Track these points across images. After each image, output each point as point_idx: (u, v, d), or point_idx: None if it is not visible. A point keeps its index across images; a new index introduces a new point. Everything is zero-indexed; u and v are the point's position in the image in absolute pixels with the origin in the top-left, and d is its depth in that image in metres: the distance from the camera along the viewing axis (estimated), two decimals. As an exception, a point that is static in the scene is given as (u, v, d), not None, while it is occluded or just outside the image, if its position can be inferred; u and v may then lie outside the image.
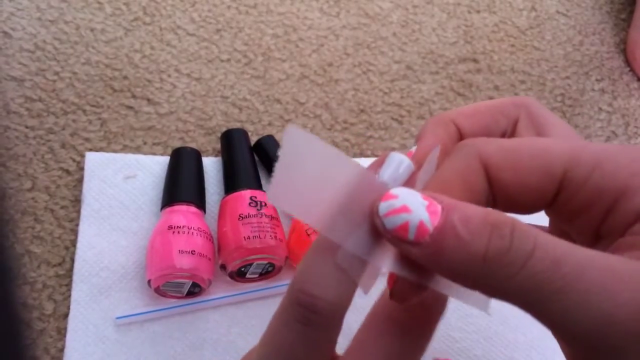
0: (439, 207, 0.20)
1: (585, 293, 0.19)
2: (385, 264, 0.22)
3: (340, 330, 0.23)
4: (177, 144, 0.51)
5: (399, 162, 0.23)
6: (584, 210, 0.23)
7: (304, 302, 0.21)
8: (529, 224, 0.21)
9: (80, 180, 0.48)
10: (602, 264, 0.20)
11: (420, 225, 0.20)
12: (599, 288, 0.19)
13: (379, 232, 0.22)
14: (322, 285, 0.21)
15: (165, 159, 0.49)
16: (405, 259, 0.22)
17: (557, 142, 0.24)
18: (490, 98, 0.61)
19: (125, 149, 0.50)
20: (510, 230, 0.20)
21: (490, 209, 0.21)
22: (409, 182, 0.23)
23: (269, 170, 0.50)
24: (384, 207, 0.21)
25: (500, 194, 0.24)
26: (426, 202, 0.21)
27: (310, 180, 0.22)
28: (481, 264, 0.20)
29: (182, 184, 0.46)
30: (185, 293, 0.43)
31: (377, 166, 0.23)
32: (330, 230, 0.22)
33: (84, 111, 0.51)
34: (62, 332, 0.42)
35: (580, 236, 0.24)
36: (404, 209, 0.21)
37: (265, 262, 0.44)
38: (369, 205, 0.22)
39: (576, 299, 0.19)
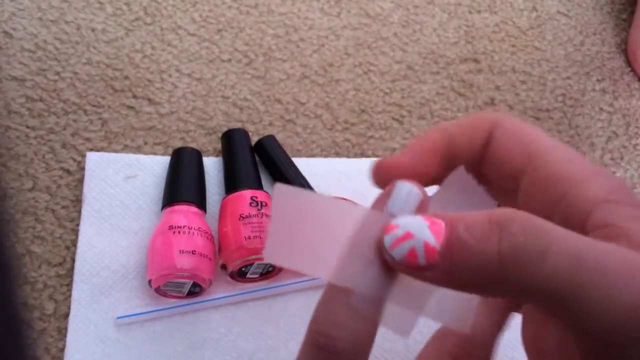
0: (442, 224, 0.20)
1: (608, 287, 0.19)
2: (404, 302, 0.22)
3: None
4: (178, 144, 0.51)
5: (407, 192, 0.23)
6: (543, 189, 0.24)
7: (323, 345, 0.21)
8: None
9: (81, 180, 0.48)
10: (619, 254, 0.20)
11: (427, 247, 0.20)
12: (621, 282, 0.19)
13: (390, 268, 0.21)
14: (340, 327, 0.21)
15: (166, 159, 0.49)
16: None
17: (543, 135, 0.25)
18: (492, 98, 0.61)
19: (126, 149, 0.50)
20: (521, 225, 0.19)
21: (492, 210, 0.20)
22: (420, 211, 0.23)
23: (270, 170, 0.50)
24: (388, 239, 0.21)
25: (490, 153, 0.26)
26: (427, 223, 0.20)
27: (309, 233, 0.22)
28: (497, 268, 0.19)
29: (182, 184, 0.46)
30: (185, 293, 0.43)
31: (385, 198, 0.23)
32: (340, 277, 0.21)
33: (85, 111, 0.51)
34: (62, 332, 0.42)
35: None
36: (407, 236, 0.20)
37: (266, 262, 0.44)
38: (376, 242, 0.21)
39: (600, 294, 0.19)
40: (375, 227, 0.22)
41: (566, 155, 0.24)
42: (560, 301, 0.19)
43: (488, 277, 0.20)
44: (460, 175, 0.24)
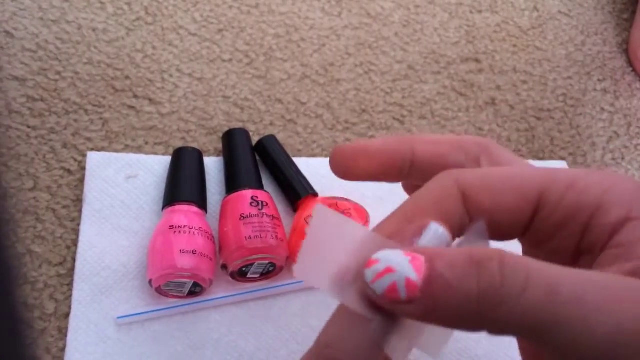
0: (422, 259, 0.20)
1: (585, 319, 0.19)
2: (406, 332, 0.22)
3: None
4: (179, 143, 0.51)
5: (435, 233, 0.23)
6: (561, 228, 0.23)
7: None
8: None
9: (81, 180, 0.48)
10: (597, 285, 0.19)
11: (408, 282, 0.20)
12: (598, 312, 0.19)
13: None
14: (356, 356, 0.21)
15: (167, 159, 0.49)
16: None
17: (530, 168, 0.24)
18: (493, 98, 0.61)
19: (126, 148, 0.50)
20: (499, 264, 0.20)
21: (473, 248, 0.21)
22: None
23: (271, 170, 0.50)
24: (369, 273, 0.21)
25: (476, 213, 0.24)
26: (409, 257, 0.20)
27: (339, 258, 0.22)
28: (476, 306, 0.19)
29: (183, 184, 0.46)
30: (186, 293, 0.43)
31: (414, 235, 0.23)
32: (362, 306, 0.22)
33: (86, 111, 0.51)
34: (63, 332, 0.42)
35: (559, 258, 0.24)
36: (388, 270, 0.21)
37: (267, 262, 0.44)
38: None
39: (577, 327, 0.19)
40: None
41: (568, 178, 0.23)
42: (540, 335, 0.19)
43: (468, 314, 0.20)
44: (480, 228, 0.23)
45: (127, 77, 0.54)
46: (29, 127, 0.49)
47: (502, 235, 0.25)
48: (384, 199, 0.50)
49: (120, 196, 0.47)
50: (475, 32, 0.65)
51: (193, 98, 0.54)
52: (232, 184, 0.47)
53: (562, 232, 0.24)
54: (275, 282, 0.46)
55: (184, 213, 0.44)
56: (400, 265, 0.20)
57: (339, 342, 0.21)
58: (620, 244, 0.22)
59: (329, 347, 0.22)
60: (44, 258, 0.44)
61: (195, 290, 0.43)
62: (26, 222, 0.45)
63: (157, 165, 0.49)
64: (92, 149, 0.49)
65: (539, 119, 0.61)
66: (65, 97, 0.51)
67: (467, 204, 0.24)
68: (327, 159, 0.53)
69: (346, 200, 0.47)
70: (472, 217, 0.24)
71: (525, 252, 0.27)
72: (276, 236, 0.44)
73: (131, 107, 0.52)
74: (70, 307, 0.43)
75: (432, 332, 0.22)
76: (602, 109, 0.63)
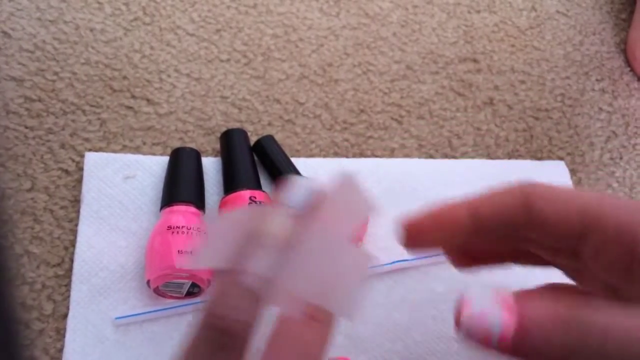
0: (513, 320, 0.23)
1: None
2: (294, 286, 0.24)
3: (250, 350, 0.24)
4: (177, 144, 0.51)
5: (303, 187, 0.25)
6: (615, 241, 0.26)
7: (219, 327, 0.23)
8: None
9: (79, 181, 0.48)
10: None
11: (501, 334, 0.23)
12: None
13: (284, 250, 0.24)
14: (235, 308, 0.23)
15: (165, 159, 0.49)
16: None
17: (588, 191, 0.28)
18: (491, 98, 0.61)
19: (124, 149, 0.50)
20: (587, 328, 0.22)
21: (553, 304, 0.23)
22: (315, 207, 0.25)
23: (269, 170, 0.50)
24: (465, 320, 0.24)
25: (537, 221, 0.26)
26: (504, 312, 0.23)
27: (229, 238, 0.25)
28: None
29: (181, 184, 0.46)
30: (184, 293, 0.43)
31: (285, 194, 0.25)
32: (237, 261, 0.24)
33: (84, 111, 0.51)
34: (61, 333, 0.42)
35: (615, 271, 0.26)
36: (483, 317, 0.23)
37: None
38: (272, 228, 0.24)
39: None
40: (272, 217, 0.25)
41: (622, 203, 0.26)
42: None
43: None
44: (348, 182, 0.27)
45: (124, 78, 0.53)
46: (26, 127, 0.49)
47: (556, 242, 0.27)
48: (381, 199, 0.50)
49: (118, 197, 0.47)
50: (473, 32, 0.65)
51: (191, 98, 0.54)
52: (230, 184, 0.47)
53: (616, 245, 0.26)
54: (273, 282, 0.46)
55: (182, 213, 0.44)
56: (494, 315, 0.23)
57: (225, 299, 0.23)
58: None
59: (216, 306, 0.23)
60: (42, 259, 0.44)
61: (194, 290, 0.43)
62: (24, 222, 0.45)
63: (155, 165, 0.49)
64: (89, 150, 0.49)
65: (537, 118, 0.61)
66: (62, 98, 0.51)
67: (530, 209, 0.26)
68: (326, 159, 0.53)
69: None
70: (534, 224, 0.27)
71: (580, 269, 0.29)
72: (274, 236, 0.44)
73: (129, 108, 0.52)
74: (68, 308, 0.43)
75: (340, 290, 0.25)
76: (600, 108, 0.63)
